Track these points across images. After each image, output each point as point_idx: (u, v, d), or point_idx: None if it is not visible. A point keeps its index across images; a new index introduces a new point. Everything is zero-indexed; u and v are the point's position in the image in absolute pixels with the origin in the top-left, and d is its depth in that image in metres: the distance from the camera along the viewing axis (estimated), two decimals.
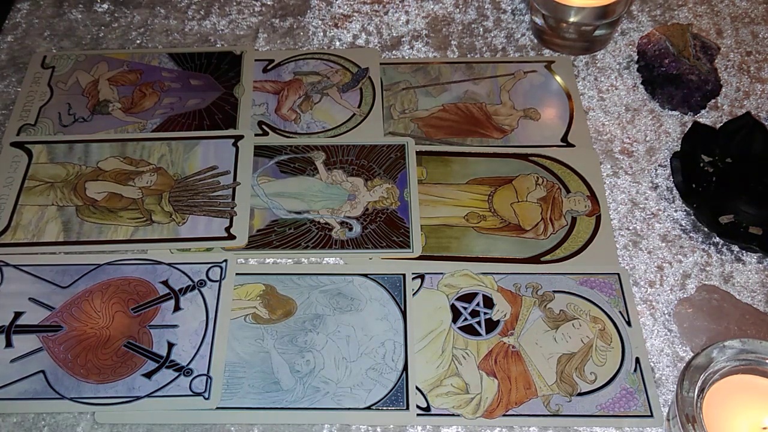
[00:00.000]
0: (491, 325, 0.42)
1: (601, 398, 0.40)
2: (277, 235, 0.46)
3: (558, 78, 0.54)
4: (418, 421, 0.39)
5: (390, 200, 0.48)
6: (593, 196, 0.48)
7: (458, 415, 0.39)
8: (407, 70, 0.55)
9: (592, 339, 0.42)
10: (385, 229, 0.46)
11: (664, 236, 0.46)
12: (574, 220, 0.47)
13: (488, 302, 0.43)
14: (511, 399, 0.40)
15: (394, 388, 0.41)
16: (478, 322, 0.43)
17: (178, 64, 0.55)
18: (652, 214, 0.48)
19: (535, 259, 0.45)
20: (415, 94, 0.53)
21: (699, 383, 0.35)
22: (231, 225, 0.46)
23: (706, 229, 0.46)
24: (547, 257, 0.45)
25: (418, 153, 0.50)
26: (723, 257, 0.46)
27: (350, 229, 0.46)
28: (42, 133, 0.51)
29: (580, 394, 0.40)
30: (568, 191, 0.48)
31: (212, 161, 0.50)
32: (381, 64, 0.55)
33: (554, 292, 0.44)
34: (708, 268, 0.45)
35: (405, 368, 0.41)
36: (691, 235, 0.47)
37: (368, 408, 0.40)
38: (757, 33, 0.57)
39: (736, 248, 0.46)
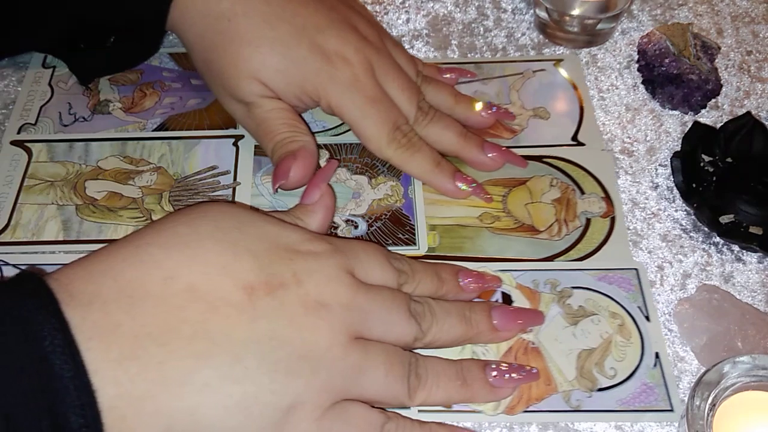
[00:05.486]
0: None
1: (622, 393, 0.40)
2: None
3: (567, 76, 0.54)
4: (436, 417, 0.39)
5: (394, 198, 0.48)
6: (608, 198, 0.48)
7: (479, 412, 0.39)
8: None
9: (612, 334, 0.42)
10: (391, 226, 0.46)
11: (664, 236, 0.46)
12: (588, 221, 0.47)
13: (507, 299, 0.43)
14: (532, 395, 0.40)
15: None
16: None
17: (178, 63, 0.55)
18: (653, 213, 0.48)
19: (548, 260, 0.45)
20: None
21: (710, 399, 0.35)
22: None
23: (706, 229, 0.46)
24: (561, 258, 0.45)
25: None
26: (723, 257, 0.46)
27: (356, 227, 0.46)
28: (42, 133, 0.51)
29: (600, 390, 0.40)
30: (582, 192, 0.48)
31: (212, 161, 0.50)
32: None
33: (573, 288, 0.44)
34: (708, 268, 0.45)
35: None
36: (692, 235, 0.47)
37: None
38: (757, 32, 0.57)
39: (736, 248, 0.46)
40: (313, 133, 0.47)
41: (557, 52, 0.56)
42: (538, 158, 0.50)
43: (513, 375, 0.39)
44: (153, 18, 0.48)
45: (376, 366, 0.35)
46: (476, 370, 0.38)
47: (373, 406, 0.36)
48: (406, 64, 0.49)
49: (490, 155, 0.48)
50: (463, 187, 0.47)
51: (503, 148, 0.48)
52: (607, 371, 0.41)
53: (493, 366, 0.39)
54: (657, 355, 0.41)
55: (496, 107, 0.51)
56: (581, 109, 0.52)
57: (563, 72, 0.55)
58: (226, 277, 0.33)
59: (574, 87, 0.54)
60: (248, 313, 0.32)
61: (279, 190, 0.45)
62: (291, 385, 0.32)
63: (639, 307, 0.43)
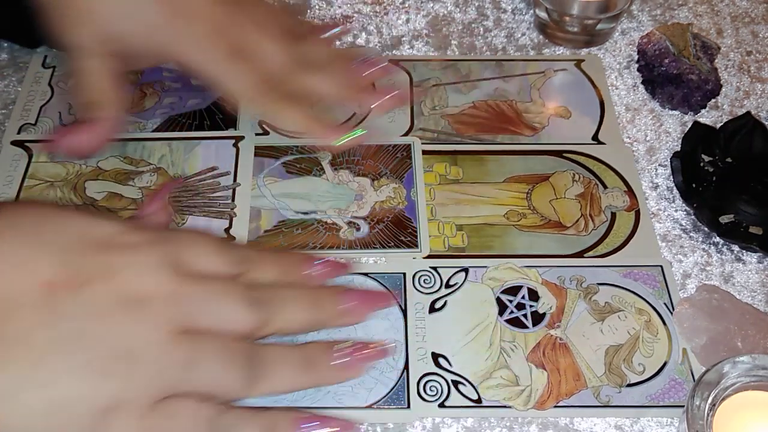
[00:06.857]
0: (537, 317, 0.43)
1: (651, 389, 0.40)
2: (284, 236, 0.46)
3: (588, 76, 0.54)
4: (468, 413, 0.39)
5: (397, 200, 0.48)
6: (630, 191, 0.48)
7: (510, 407, 0.39)
8: (437, 67, 0.55)
9: (639, 331, 0.42)
10: (393, 228, 0.46)
11: (664, 236, 0.47)
12: (613, 215, 0.47)
13: (533, 295, 0.43)
14: (561, 390, 0.40)
15: (395, 386, 0.41)
16: (525, 315, 0.43)
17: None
18: (653, 213, 0.48)
19: (578, 256, 0.45)
20: (445, 90, 0.53)
21: (710, 399, 0.35)
22: (230, 226, 0.46)
23: (706, 229, 0.47)
24: (590, 253, 0.45)
25: (453, 153, 0.50)
26: (723, 257, 0.46)
27: (358, 229, 0.46)
28: (42, 133, 0.51)
29: (629, 385, 0.40)
30: (605, 187, 0.48)
31: (213, 162, 0.50)
32: (410, 60, 0.55)
33: (598, 284, 0.44)
34: (708, 268, 0.45)
35: (406, 367, 0.41)
36: (691, 235, 0.47)
37: (369, 407, 0.40)
38: (757, 33, 0.57)
39: (736, 248, 0.46)
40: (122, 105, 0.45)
41: (557, 52, 0.56)
42: (558, 153, 0.50)
43: (356, 354, 0.37)
44: None
45: (207, 359, 0.33)
46: (319, 353, 0.37)
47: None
48: (271, 20, 0.47)
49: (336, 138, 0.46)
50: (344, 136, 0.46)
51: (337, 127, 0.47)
52: (636, 367, 0.41)
53: (336, 347, 0.37)
54: (685, 352, 0.41)
55: (368, 59, 0.49)
56: (602, 109, 0.53)
57: (584, 72, 0.55)
58: (22, 275, 0.31)
59: (595, 87, 0.54)
60: (48, 313, 0.30)
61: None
62: (105, 386, 0.30)
63: (665, 304, 0.43)
